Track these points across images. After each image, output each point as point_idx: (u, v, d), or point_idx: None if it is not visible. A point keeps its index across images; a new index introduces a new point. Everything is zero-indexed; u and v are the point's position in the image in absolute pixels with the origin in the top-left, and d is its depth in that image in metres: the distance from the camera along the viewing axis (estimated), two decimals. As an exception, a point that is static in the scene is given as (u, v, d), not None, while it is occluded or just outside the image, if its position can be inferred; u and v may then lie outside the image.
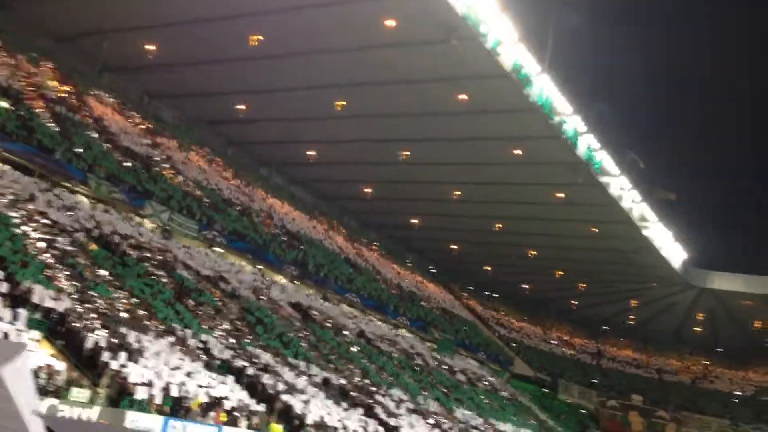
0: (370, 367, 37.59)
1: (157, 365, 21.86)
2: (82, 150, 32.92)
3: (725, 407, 67.81)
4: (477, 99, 37.55)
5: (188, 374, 22.77)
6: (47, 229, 26.40)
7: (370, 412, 30.57)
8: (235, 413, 22.81)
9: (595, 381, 72.39)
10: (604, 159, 44.31)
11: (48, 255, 24.57)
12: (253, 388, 25.84)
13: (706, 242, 65.41)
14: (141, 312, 25.49)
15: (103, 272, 26.51)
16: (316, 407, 26.88)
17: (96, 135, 36.40)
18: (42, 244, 24.95)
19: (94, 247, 28.24)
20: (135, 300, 26.13)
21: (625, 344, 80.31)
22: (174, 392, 21.36)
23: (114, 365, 20.53)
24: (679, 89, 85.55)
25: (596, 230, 53.14)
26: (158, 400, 20.69)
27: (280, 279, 42.46)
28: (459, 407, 41.20)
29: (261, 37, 34.47)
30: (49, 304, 21.53)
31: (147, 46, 37.54)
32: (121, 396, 19.82)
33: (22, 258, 22.94)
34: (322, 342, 36.79)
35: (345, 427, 26.89)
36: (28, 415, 4.59)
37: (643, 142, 64.46)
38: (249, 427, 22.84)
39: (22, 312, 20.07)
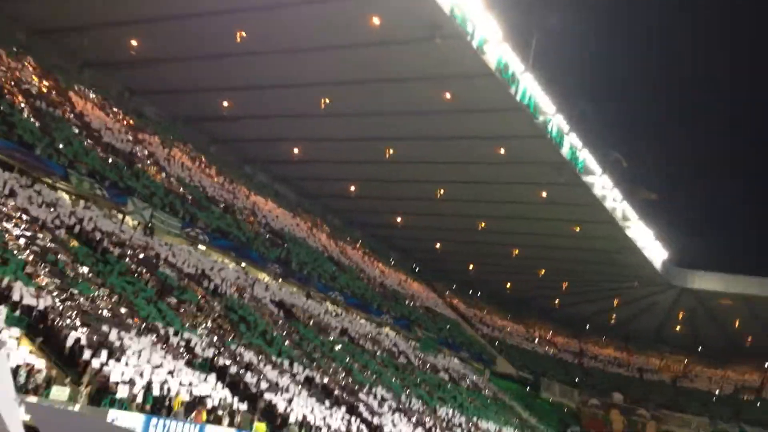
0: (353, 365, 37.53)
1: (139, 363, 21.65)
2: (62, 146, 32.56)
3: (705, 406, 68.47)
4: (462, 97, 37.59)
5: (170, 372, 22.58)
6: (28, 225, 26.08)
7: (353, 411, 30.51)
8: (218, 412, 22.65)
9: (577, 380, 72.81)
10: (587, 158, 44.57)
11: (28, 252, 24.27)
12: (236, 386, 25.68)
13: (687, 242, 65.99)
14: (123, 310, 25.25)
15: (84, 269, 26.24)
16: (299, 406, 26.78)
17: (77, 131, 36.02)
18: (22, 241, 24.64)
19: (75, 243, 27.95)
20: (116, 297, 25.88)
21: (607, 343, 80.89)
22: (156, 391, 21.17)
23: (95, 363, 20.31)
24: (661, 89, 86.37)
25: (579, 229, 53.39)
26: (140, 398, 20.50)
27: (264, 277, 42.27)
28: (442, 406, 41.26)
29: (244, 34, 34.33)
30: (29, 301, 21.24)
31: (129, 42, 37.24)
32: (102, 394, 19.60)
33: (2, 254, 22.64)
34: (305, 340, 36.67)
35: (328, 426, 26.82)
36: (6, 413, 4.49)
37: (626, 142, 64.99)
38: (231, 425, 22.68)
39: (2, 309, 19.79)
